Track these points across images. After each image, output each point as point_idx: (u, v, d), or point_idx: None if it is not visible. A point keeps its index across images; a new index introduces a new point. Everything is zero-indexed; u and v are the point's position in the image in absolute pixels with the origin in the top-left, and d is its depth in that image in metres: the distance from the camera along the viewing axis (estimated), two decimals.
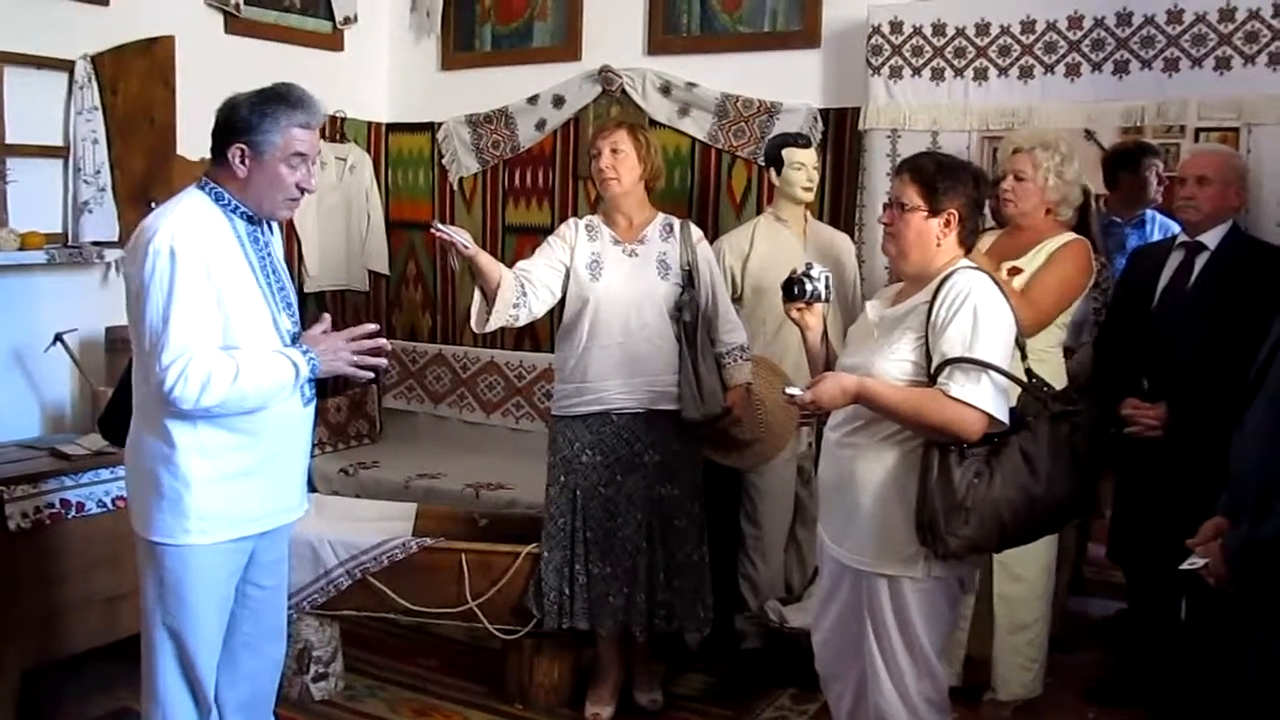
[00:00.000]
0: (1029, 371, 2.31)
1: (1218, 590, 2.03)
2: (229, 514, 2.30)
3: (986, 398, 2.16)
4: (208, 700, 2.38)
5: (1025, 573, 3.09)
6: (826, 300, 2.44)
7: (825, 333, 2.48)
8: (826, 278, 2.43)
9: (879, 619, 2.32)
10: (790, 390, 2.29)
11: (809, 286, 2.41)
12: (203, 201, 2.28)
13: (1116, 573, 3.76)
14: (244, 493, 2.31)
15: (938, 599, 2.31)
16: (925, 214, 2.29)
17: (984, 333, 2.18)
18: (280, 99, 2.26)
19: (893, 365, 2.26)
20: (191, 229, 2.20)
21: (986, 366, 2.16)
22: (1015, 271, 2.98)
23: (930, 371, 2.21)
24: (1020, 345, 2.30)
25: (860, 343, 2.42)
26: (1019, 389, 2.28)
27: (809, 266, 2.43)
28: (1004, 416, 2.20)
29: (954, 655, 3.15)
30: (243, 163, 2.25)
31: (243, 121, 2.24)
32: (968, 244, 2.35)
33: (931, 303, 2.24)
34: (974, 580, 2.49)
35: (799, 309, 2.44)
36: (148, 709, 2.39)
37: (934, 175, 2.29)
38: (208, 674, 2.37)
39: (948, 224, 2.29)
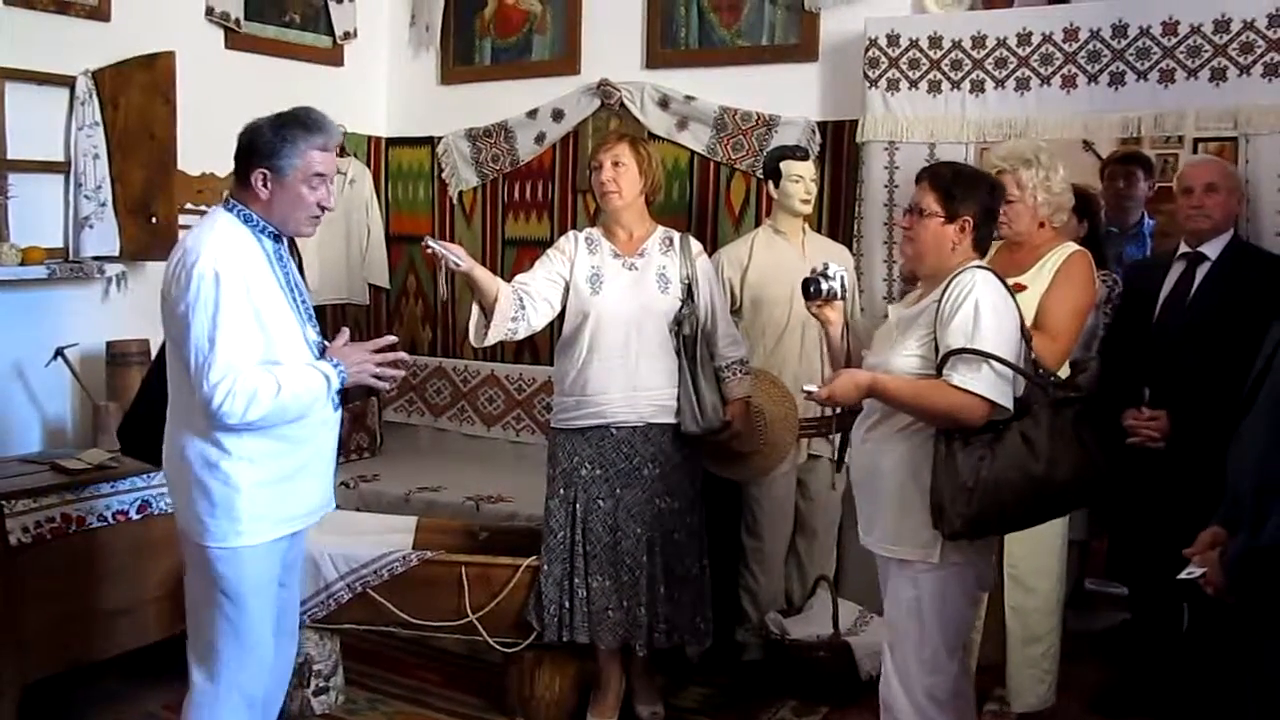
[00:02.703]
0: (1034, 362, 2.41)
1: (1219, 600, 2.03)
2: (274, 514, 2.43)
3: (987, 385, 2.27)
4: (257, 700, 2.50)
5: (1037, 585, 3.09)
6: (843, 297, 2.60)
7: (846, 328, 2.60)
8: (842, 276, 2.60)
9: (896, 606, 2.44)
10: (807, 387, 2.45)
11: (824, 285, 2.59)
12: (233, 223, 2.39)
13: (1118, 585, 3.76)
14: (286, 494, 2.45)
15: (953, 590, 2.39)
16: (941, 219, 2.42)
17: (985, 324, 2.29)
18: (299, 123, 2.37)
19: (904, 361, 2.40)
20: (231, 251, 2.32)
21: (987, 356, 2.26)
22: (1020, 288, 2.96)
23: (937, 364, 2.32)
24: (1026, 338, 2.40)
25: (883, 344, 2.55)
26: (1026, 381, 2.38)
27: (826, 266, 2.61)
28: (1007, 403, 2.31)
29: (965, 665, 3.13)
30: (265, 185, 2.36)
31: (265, 146, 2.35)
32: (981, 249, 2.49)
33: (940, 300, 2.36)
34: (989, 578, 2.58)
35: (818, 306, 2.60)
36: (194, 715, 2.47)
37: (951, 183, 2.44)
38: (262, 674, 2.48)
39: (962, 229, 2.42)
